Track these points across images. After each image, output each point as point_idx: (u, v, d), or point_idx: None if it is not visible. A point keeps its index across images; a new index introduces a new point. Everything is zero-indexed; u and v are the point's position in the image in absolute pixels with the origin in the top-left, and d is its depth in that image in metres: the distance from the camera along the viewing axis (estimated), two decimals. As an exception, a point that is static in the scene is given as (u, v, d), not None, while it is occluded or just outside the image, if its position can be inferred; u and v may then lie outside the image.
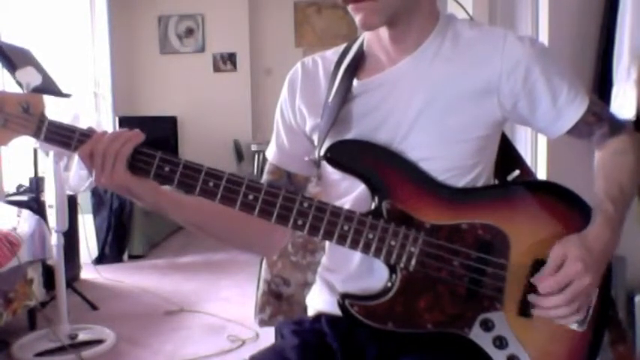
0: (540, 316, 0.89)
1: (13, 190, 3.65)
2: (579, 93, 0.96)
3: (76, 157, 2.76)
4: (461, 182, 0.96)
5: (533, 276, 0.89)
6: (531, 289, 0.89)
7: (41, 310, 2.73)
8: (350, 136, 0.97)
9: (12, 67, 2.58)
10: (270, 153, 1.08)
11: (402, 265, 0.90)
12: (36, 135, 0.88)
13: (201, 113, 6.44)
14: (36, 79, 2.48)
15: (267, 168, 1.09)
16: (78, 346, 2.56)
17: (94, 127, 0.89)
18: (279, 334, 1.12)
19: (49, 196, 2.65)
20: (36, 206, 3.05)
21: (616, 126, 1.02)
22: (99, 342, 2.64)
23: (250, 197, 0.88)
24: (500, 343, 0.91)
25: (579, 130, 0.98)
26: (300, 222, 0.89)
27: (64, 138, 0.88)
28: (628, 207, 0.96)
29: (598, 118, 0.99)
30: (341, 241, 0.90)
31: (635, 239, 1.55)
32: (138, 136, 0.88)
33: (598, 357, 0.96)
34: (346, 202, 0.98)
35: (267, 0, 6.54)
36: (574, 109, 0.96)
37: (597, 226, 0.91)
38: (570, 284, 0.86)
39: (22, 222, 2.68)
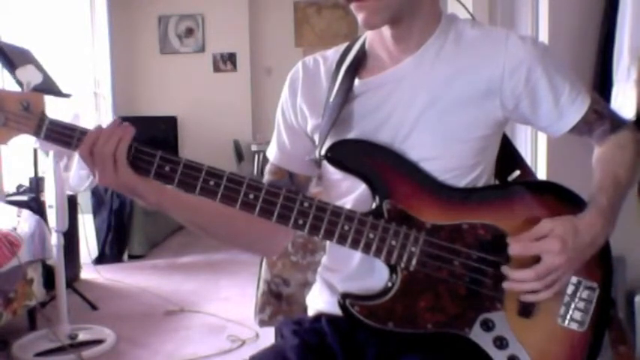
0: (508, 288, 0.90)
1: (13, 190, 3.65)
2: (581, 92, 0.96)
3: (76, 157, 2.76)
4: (462, 182, 0.95)
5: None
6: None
7: (41, 310, 2.73)
8: (351, 135, 0.97)
9: (12, 66, 2.57)
10: (272, 153, 1.08)
11: (402, 265, 0.90)
12: (36, 134, 0.88)
13: (201, 113, 6.44)
14: (37, 78, 2.47)
15: (268, 168, 1.08)
16: (78, 346, 2.56)
17: (94, 127, 0.89)
18: (279, 334, 1.12)
19: (49, 196, 2.65)
20: (36, 206, 3.05)
21: (617, 123, 1.02)
22: (99, 342, 2.64)
23: (251, 196, 0.88)
24: (501, 343, 0.91)
25: (580, 128, 0.98)
26: (300, 221, 0.89)
27: (65, 137, 0.88)
28: (623, 199, 0.96)
29: (599, 116, 0.99)
30: (341, 240, 0.89)
31: (635, 239, 1.55)
32: (127, 131, 0.87)
33: (598, 357, 0.96)
34: (347, 202, 0.98)
35: (267, 0, 6.54)
36: (576, 108, 0.96)
37: (589, 215, 0.91)
38: (542, 259, 0.87)
39: (22, 222, 2.68)
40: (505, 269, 0.89)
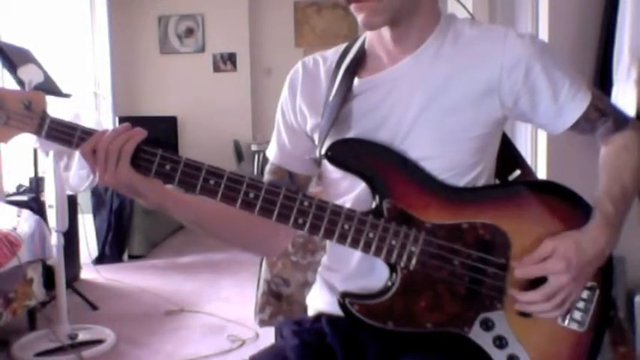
0: (521, 309, 0.91)
1: (13, 190, 3.65)
2: (581, 89, 0.95)
3: (76, 157, 2.76)
4: (461, 181, 0.95)
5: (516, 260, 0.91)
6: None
7: (41, 310, 2.73)
8: (351, 134, 0.97)
9: (12, 66, 2.57)
10: (271, 153, 1.08)
11: (402, 264, 0.90)
12: (37, 132, 0.88)
13: (201, 113, 6.44)
14: (38, 77, 2.47)
15: (268, 168, 1.08)
16: (78, 346, 2.56)
17: (94, 126, 0.89)
18: (279, 334, 1.12)
19: (49, 196, 2.65)
20: (36, 206, 3.05)
21: (621, 121, 1.01)
22: (99, 342, 2.64)
23: (251, 195, 0.88)
24: (500, 342, 0.91)
25: (582, 125, 0.97)
26: (300, 221, 0.89)
27: (66, 135, 0.88)
28: (629, 206, 0.95)
29: (601, 114, 0.98)
30: (341, 240, 0.89)
31: (635, 239, 1.55)
32: (140, 133, 0.88)
33: (598, 357, 0.95)
34: (347, 201, 0.98)
35: (267, 0, 6.54)
36: (576, 104, 0.95)
37: (595, 226, 0.91)
38: (548, 280, 0.88)
39: (22, 222, 2.68)
40: (513, 291, 0.90)
